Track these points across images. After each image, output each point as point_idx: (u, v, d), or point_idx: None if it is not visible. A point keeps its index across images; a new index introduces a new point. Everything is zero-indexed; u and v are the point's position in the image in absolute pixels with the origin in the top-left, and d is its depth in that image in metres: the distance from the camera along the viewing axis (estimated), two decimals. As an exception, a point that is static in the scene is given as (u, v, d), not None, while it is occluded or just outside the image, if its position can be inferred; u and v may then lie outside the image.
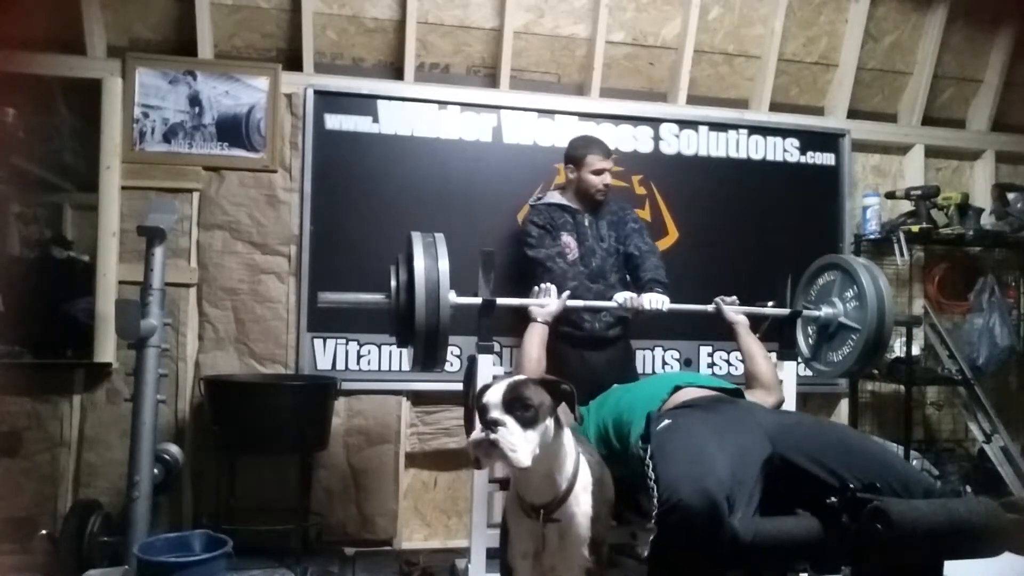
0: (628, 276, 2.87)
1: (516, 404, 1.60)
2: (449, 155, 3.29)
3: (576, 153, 2.86)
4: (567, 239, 2.82)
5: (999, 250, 3.80)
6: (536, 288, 2.57)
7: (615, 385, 2.50)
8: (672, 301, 2.61)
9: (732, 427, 1.86)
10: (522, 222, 3.01)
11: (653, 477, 1.73)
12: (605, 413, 2.30)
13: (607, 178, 2.84)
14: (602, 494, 1.78)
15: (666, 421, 1.94)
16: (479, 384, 1.99)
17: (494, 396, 1.61)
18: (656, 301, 2.56)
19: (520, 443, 1.57)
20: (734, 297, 2.66)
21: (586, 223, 2.86)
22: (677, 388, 2.20)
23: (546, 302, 2.48)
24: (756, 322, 2.68)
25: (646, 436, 1.93)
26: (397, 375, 3.20)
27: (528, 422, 1.59)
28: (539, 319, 2.46)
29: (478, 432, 1.59)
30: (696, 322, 3.02)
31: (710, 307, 2.65)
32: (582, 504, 1.72)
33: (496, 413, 1.59)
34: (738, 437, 1.80)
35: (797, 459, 1.75)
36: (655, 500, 1.65)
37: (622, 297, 2.57)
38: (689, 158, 3.52)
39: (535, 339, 2.43)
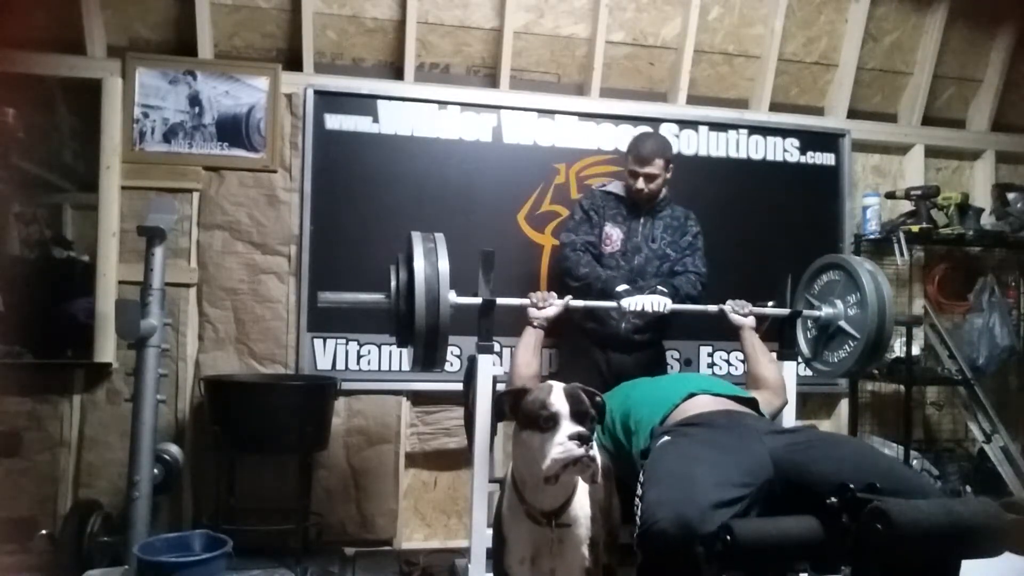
0: None
1: (584, 415, 1.59)
2: (449, 155, 3.29)
3: (627, 150, 2.83)
4: (610, 230, 2.79)
5: (999, 250, 3.80)
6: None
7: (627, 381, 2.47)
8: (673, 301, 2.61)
9: (733, 448, 1.81)
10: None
11: (640, 495, 1.71)
12: (615, 406, 2.25)
13: (640, 183, 2.74)
14: (597, 495, 1.78)
15: (666, 438, 1.91)
16: (505, 389, 1.89)
17: (562, 407, 1.58)
18: (657, 304, 2.54)
19: (597, 455, 1.56)
20: (743, 302, 2.63)
21: (640, 220, 2.81)
22: (691, 395, 2.14)
23: (544, 304, 2.44)
24: (756, 322, 2.68)
25: (646, 452, 1.92)
26: (397, 375, 3.20)
27: (592, 432, 1.59)
28: (535, 323, 2.43)
29: (574, 447, 1.53)
30: (696, 322, 3.02)
31: (711, 308, 2.63)
32: (583, 505, 1.72)
33: (573, 425, 1.55)
34: (736, 459, 1.75)
35: (801, 480, 1.71)
36: (637, 521, 1.64)
37: (626, 302, 2.54)
38: (689, 158, 3.51)
39: (530, 344, 2.40)
